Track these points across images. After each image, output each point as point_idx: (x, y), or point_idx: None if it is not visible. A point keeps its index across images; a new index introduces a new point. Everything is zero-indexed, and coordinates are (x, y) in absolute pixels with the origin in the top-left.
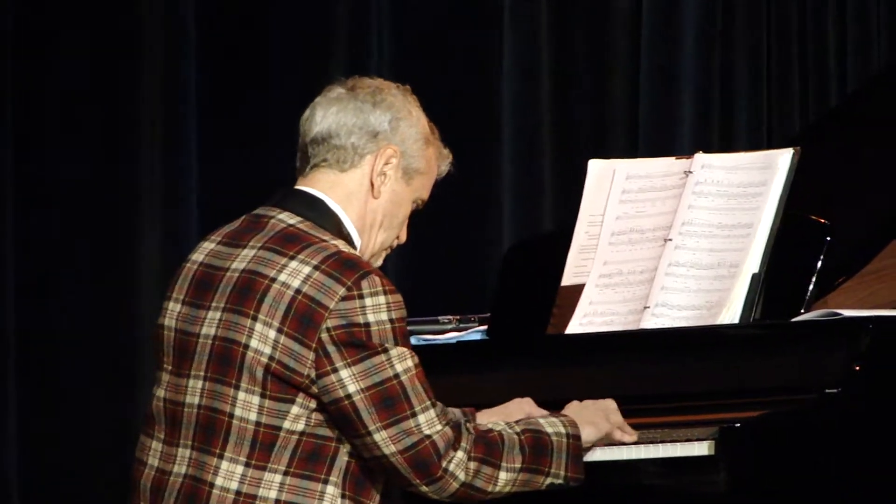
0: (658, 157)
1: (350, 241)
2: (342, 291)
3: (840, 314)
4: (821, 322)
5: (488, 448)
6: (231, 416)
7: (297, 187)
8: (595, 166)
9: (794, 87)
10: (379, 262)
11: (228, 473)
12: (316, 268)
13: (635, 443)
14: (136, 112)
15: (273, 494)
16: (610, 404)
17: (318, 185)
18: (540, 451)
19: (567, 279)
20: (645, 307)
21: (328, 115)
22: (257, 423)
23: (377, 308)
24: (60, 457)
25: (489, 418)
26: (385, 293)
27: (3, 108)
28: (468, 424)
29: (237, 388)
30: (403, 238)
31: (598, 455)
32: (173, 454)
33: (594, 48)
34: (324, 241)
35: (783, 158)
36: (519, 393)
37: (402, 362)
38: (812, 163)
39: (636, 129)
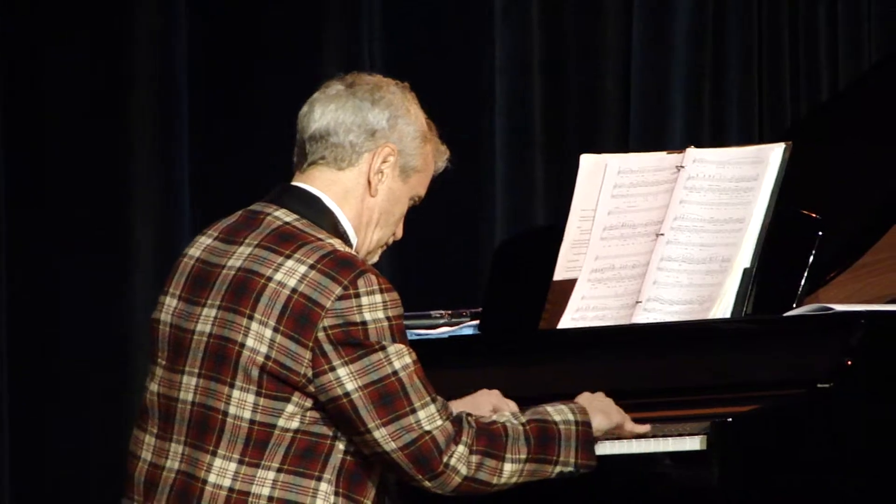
0: (650, 152)
1: (346, 239)
2: (338, 290)
3: (832, 308)
4: (812, 317)
5: (491, 440)
6: (225, 413)
7: (294, 183)
8: (587, 161)
9: (786, 82)
10: (375, 259)
11: (221, 470)
12: (312, 267)
13: (635, 437)
14: (129, 106)
15: (266, 491)
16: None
17: (316, 182)
18: (547, 440)
19: (559, 274)
20: (637, 302)
21: (327, 113)
22: (251, 421)
23: (374, 306)
24: (53, 447)
25: (455, 409)
26: (381, 291)
27: None
28: (469, 418)
29: (232, 386)
30: (400, 235)
31: None
32: (166, 449)
33: (586, 44)
34: (319, 239)
35: (775, 153)
36: (512, 387)
37: (400, 359)
38: (804, 157)
39: (627, 124)
